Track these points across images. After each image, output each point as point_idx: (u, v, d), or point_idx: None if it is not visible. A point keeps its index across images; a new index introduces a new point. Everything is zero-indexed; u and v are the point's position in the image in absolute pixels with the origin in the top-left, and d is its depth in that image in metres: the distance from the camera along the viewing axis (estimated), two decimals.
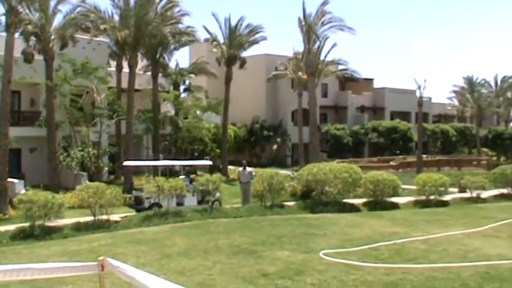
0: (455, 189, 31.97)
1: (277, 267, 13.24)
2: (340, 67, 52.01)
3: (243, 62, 49.85)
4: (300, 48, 45.10)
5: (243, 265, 13.49)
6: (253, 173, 28.14)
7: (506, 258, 14.34)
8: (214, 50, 50.52)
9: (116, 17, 40.24)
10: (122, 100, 41.84)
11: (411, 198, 28.27)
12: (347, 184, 26.31)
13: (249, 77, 58.13)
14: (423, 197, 28.03)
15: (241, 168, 29.03)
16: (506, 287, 11.72)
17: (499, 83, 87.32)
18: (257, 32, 49.65)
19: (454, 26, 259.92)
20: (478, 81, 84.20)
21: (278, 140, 61.90)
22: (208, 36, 50.90)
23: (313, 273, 12.64)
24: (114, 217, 22.02)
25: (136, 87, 40.31)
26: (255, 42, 50.14)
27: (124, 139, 40.35)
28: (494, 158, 74.52)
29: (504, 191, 31.29)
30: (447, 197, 28.76)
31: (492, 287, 11.67)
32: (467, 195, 30.28)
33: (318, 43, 38.46)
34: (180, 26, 44.08)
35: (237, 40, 49.04)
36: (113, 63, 44.77)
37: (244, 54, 50.98)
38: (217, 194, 25.82)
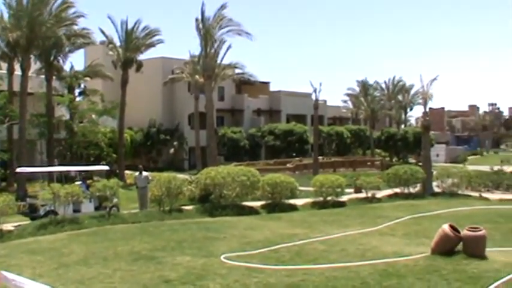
0: (351, 190, 32.65)
1: (178, 272, 13.06)
2: (237, 71, 52.16)
3: (140, 65, 49.18)
4: (198, 51, 45.01)
5: (143, 272, 13.23)
6: (150, 178, 27.73)
7: (402, 255, 14.71)
8: (111, 52, 49.59)
9: (7, 17, 38.70)
10: (13, 104, 40.31)
11: (309, 200, 28.63)
12: (245, 187, 26.37)
13: (146, 80, 57.48)
14: (320, 198, 28.46)
15: (137, 173, 28.57)
16: (404, 283, 11.99)
17: (390, 86, 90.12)
18: (154, 35, 49.09)
19: (349, 31, 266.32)
20: (371, 84, 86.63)
21: (175, 143, 61.45)
22: (104, 38, 49.94)
23: (215, 277, 12.54)
24: (7, 226, 21.09)
25: (29, 90, 38.93)
26: (152, 45, 49.57)
27: (16, 144, 38.86)
28: (388, 159, 76.93)
29: (397, 190, 32.24)
30: (344, 198, 29.34)
31: (390, 284, 11.92)
32: (363, 195, 31.00)
33: (215, 47, 38.39)
34: (75, 27, 42.87)
35: (133, 43, 48.30)
36: (4, 66, 43.16)
37: (141, 57, 50.33)
38: (115, 200, 25.25)
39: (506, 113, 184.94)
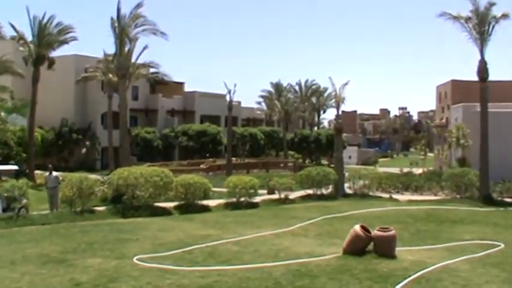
0: (265, 191, 32.74)
1: (89, 275, 12.78)
2: (152, 70, 51.65)
3: (52, 62, 47.83)
4: (112, 50, 44.20)
5: (53, 275, 12.87)
6: (60, 178, 27.05)
7: (314, 255, 14.93)
8: (21, 48, 48.01)
9: None
10: None
11: (222, 201, 28.57)
12: (158, 188, 26.09)
13: (58, 78, 56.05)
14: (234, 199, 28.44)
15: (47, 173, 27.83)
16: (316, 282, 12.15)
17: (304, 88, 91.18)
18: (68, 32, 47.84)
19: (265, 33, 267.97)
20: (285, 86, 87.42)
21: (87, 143, 60.27)
22: (14, 33, 48.38)
23: (128, 279, 12.36)
24: None
25: None
26: (65, 42, 48.28)
27: None
28: (300, 160, 77.66)
29: (310, 191, 32.58)
30: (257, 199, 29.38)
31: (303, 284, 12.05)
32: (276, 196, 31.18)
33: (130, 45, 37.79)
34: None
35: (46, 39, 46.88)
36: None
37: (53, 54, 49.03)
38: (24, 201, 24.40)
39: (415, 117, 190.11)
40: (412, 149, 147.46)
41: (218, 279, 12.38)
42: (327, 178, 32.37)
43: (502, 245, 17.14)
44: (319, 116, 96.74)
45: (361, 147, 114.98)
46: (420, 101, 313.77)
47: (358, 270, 13.14)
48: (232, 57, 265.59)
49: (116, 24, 37.12)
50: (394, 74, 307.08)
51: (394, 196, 32.84)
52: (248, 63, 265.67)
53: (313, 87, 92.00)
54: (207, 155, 64.04)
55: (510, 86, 74.96)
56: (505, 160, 36.86)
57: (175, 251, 15.56)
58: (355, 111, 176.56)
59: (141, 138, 62.66)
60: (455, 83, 76.56)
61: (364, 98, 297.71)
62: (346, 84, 35.75)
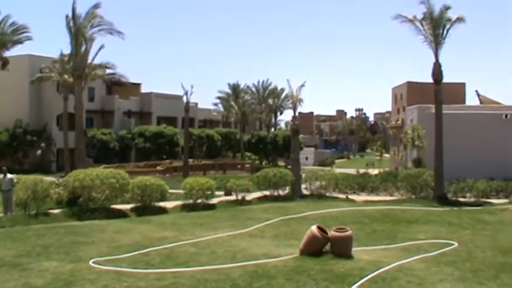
0: (222, 193, 32.73)
1: (45, 279, 12.58)
2: (108, 71, 51.12)
3: (5, 62, 47.21)
4: (68, 50, 43.58)
5: (7, 279, 12.63)
6: (15, 180, 26.61)
7: (271, 256, 14.96)
8: None
9: None
10: None
11: (179, 202, 28.47)
12: (114, 190, 25.85)
13: (12, 78, 55.34)
14: (190, 201, 28.37)
15: (1, 175, 27.35)
16: (274, 283, 12.18)
17: (261, 90, 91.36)
18: (22, 32, 47.31)
19: (221, 34, 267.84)
20: (242, 88, 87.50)
21: (42, 145, 59.57)
22: None
23: (84, 283, 12.22)
24: None
25: None
26: (19, 41, 47.72)
27: None
28: (257, 162, 77.87)
29: (267, 192, 32.64)
30: (214, 200, 29.36)
31: (260, 285, 12.07)
32: (233, 197, 31.16)
33: (86, 45, 37.30)
34: None
35: None
36: None
37: (7, 54, 48.33)
38: None
39: (372, 118, 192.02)
40: (368, 150, 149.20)
41: (175, 281, 12.32)
42: (283, 179, 32.46)
43: (456, 244, 17.42)
44: (276, 117, 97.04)
45: (317, 149, 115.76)
46: (376, 102, 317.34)
47: (315, 271, 13.21)
48: (189, 58, 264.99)
49: (72, 24, 36.65)
50: (351, 76, 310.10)
51: (351, 197, 33.08)
52: (205, 65, 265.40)
53: (270, 88, 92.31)
54: (164, 156, 63.83)
55: (463, 88, 76.47)
56: (459, 161, 37.41)
57: (132, 254, 15.44)
58: (312, 113, 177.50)
59: (97, 140, 62.17)
60: (410, 85, 77.51)
61: (321, 100, 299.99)
62: (303, 85, 35.91)
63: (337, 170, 48.97)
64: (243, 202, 30.16)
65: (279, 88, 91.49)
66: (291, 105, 37.99)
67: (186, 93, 51.82)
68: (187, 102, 52.83)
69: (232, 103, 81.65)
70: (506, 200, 31.78)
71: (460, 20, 32.53)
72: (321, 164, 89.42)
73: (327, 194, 33.71)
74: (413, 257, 15.20)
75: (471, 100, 65.74)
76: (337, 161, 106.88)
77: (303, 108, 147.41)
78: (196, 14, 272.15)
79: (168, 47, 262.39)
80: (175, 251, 16.00)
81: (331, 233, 15.08)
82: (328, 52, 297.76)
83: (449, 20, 32.60)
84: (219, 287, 11.93)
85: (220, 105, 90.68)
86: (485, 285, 12.48)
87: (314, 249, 14.88)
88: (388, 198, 32.98)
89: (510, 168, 33.92)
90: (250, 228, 20.74)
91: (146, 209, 26.18)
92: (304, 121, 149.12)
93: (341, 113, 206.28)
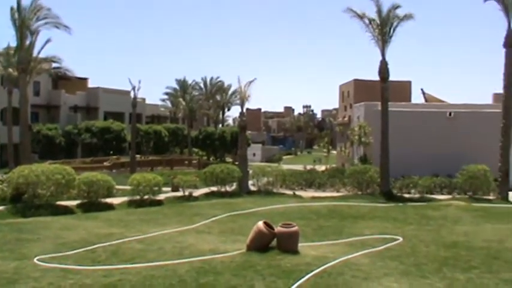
0: (169, 189, 32.62)
1: None
2: (54, 65, 50.31)
3: None
4: (14, 43, 42.72)
5: None
6: None
7: (218, 252, 15.02)
8: None
9: None
10: None
11: (126, 199, 28.30)
12: (60, 186, 25.59)
13: None
14: (138, 197, 28.26)
15: None
16: (220, 279, 12.23)
17: (209, 86, 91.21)
18: None
19: (170, 29, 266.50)
20: (190, 83, 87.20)
21: None
22: None
23: (28, 280, 12.06)
24: None
25: None
26: None
27: None
28: (205, 158, 77.68)
29: (214, 188, 32.67)
30: (161, 196, 29.29)
31: (207, 281, 12.11)
32: (180, 194, 31.08)
33: (31, 39, 36.64)
34: None
35: None
36: None
37: None
38: None
39: (319, 115, 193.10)
40: (315, 147, 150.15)
41: (122, 277, 12.27)
42: (231, 175, 32.52)
43: (401, 239, 17.76)
44: (223, 113, 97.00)
45: (265, 145, 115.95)
46: (324, 99, 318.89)
47: (262, 266, 13.30)
48: (137, 54, 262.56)
49: (16, 16, 35.98)
50: (299, 73, 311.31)
51: (298, 193, 33.29)
52: (154, 60, 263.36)
53: (218, 84, 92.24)
54: (111, 152, 63.16)
55: (409, 86, 77.66)
56: (404, 157, 37.96)
57: (78, 251, 15.30)
58: (260, 109, 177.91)
59: (43, 135, 61.14)
60: (357, 82, 78.30)
61: (269, 96, 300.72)
62: (252, 82, 35.91)
63: (285, 166, 49.25)
64: (190, 198, 30.14)
65: (226, 84, 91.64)
66: (238, 102, 37.97)
67: (133, 89, 51.39)
68: (135, 98, 52.37)
69: (180, 99, 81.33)
70: (450, 196, 32.40)
71: (407, 17, 33.01)
72: (269, 160, 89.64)
73: (274, 190, 33.90)
74: (359, 252, 15.45)
75: (417, 98, 66.87)
76: (284, 157, 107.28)
77: (250, 105, 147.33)
78: (143, 9, 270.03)
79: (116, 42, 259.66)
80: (122, 247, 15.91)
81: (278, 228, 15.19)
82: (277, 49, 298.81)
83: (397, 17, 33.07)
84: (165, 283, 11.92)
85: (168, 101, 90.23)
86: (429, 279, 12.75)
87: (261, 244, 14.96)
88: (335, 194, 33.27)
89: (454, 165, 34.50)
90: (197, 224, 20.78)
91: (93, 205, 25.93)
92: (252, 117, 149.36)
93: (289, 110, 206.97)
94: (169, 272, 12.82)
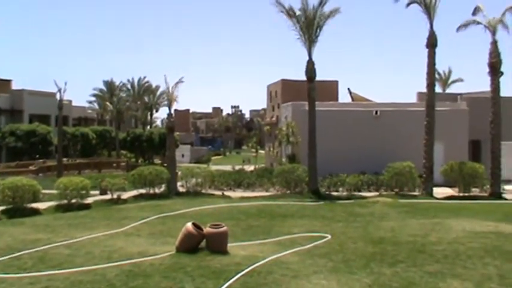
0: (97, 192, 32.20)
1: None
2: None
3: None
4: None
5: None
6: None
7: (147, 254, 14.93)
8: None
9: None
10: None
11: (53, 203, 27.75)
12: None
13: None
14: (65, 201, 27.77)
15: None
16: (150, 282, 12.16)
17: (136, 87, 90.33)
18: None
19: (96, 30, 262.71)
20: (117, 85, 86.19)
21: None
22: None
23: None
24: None
25: None
26: None
27: None
28: (133, 160, 76.92)
29: (143, 191, 32.44)
30: (89, 200, 28.84)
31: (137, 284, 12.03)
32: (108, 197, 30.74)
33: None
34: None
35: None
36: None
37: None
38: None
39: (248, 115, 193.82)
40: (244, 147, 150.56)
41: (49, 284, 12.05)
42: (159, 177, 32.35)
43: (329, 237, 18.03)
44: (151, 114, 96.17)
45: (194, 146, 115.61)
46: (253, 99, 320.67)
47: (192, 268, 13.29)
48: (63, 56, 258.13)
49: None
50: (227, 73, 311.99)
51: (227, 193, 33.33)
52: (80, 62, 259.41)
53: (146, 85, 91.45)
54: (37, 156, 61.81)
55: (336, 86, 78.56)
56: (332, 156, 38.35)
57: (3, 258, 14.90)
58: (188, 110, 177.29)
59: None
60: (285, 82, 78.65)
61: (197, 97, 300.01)
62: (179, 82, 35.76)
63: (214, 167, 49.31)
64: (118, 201, 29.83)
65: (154, 85, 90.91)
66: (166, 103, 37.77)
67: (59, 91, 50.38)
68: (61, 100, 51.39)
69: (107, 102, 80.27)
70: (377, 193, 33.04)
71: (334, 12, 33.38)
72: (198, 161, 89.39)
73: (203, 191, 33.86)
74: (288, 250, 15.59)
75: (344, 97, 67.66)
76: (213, 158, 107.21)
77: (179, 106, 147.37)
78: (69, 9, 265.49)
79: (42, 43, 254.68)
80: (49, 253, 15.61)
81: (207, 229, 15.22)
82: (205, 50, 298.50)
83: (323, 14, 33.45)
84: (94, 287, 11.79)
85: (95, 103, 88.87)
86: (356, 275, 12.99)
87: (190, 245, 14.96)
88: (264, 194, 33.46)
89: (380, 162, 35.14)
90: (126, 227, 20.56)
91: (18, 210, 25.33)
92: (180, 118, 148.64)
93: (217, 110, 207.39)
94: (98, 276, 12.66)
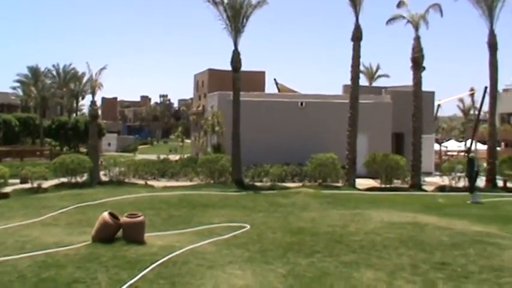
0: (17, 181, 31.49)
1: None
2: None
3: None
4: None
5: None
6: None
7: (63, 245, 14.63)
8: None
9: None
10: None
11: None
12: None
13: None
14: None
15: None
16: (63, 273, 11.92)
17: (62, 73, 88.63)
18: None
19: (21, 15, 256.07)
20: (42, 71, 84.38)
21: None
22: None
23: None
24: None
25: None
26: None
27: None
28: (58, 148, 75.45)
29: (64, 180, 31.93)
30: (7, 189, 28.31)
31: (49, 275, 11.76)
32: (28, 185, 30.09)
33: None
34: None
35: None
36: None
37: None
38: None
39: (176, 105, 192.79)
40: (172, 136, 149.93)
41: None
42: (81, 166, 31.88)
43: (248, 227, 18.06)
44: (77, 102, 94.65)
45: (121, 135, 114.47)
46: (181, 88, 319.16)
47: (107, 258, 13.10)
48: None
49: None
50: (156, 62, 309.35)
51: (151, 183, 33.10)
52: (3, 46, 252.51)
53: (72, 72, 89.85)
54: None
55: (263, 76, 78.85)
56: (257, 146, 38.47)
57: None
58: (116, 98, 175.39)
59: None
60: (212, 72, 78.60)
61: (125, 85, 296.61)
62: (103, 68, 35.18)
63: (140, 156, 49.02)
64: (39, 190, 29.24)
65: (80, 72, 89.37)
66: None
67: None
68: None
69: (32, 87, 78.47)
70: (300, 184, 33.36)
71: (262, 2, 33.40)
72: (124, 150, 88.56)
73: (126, 180, 33.53)
74: (206, 240, 15.54)
75: (270, 88, 67.99)
76: (140, 147, 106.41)
77: (106, 94, 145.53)
78: None
79: None
80: None
81: (123, 218, 15.05)
82: (133, 38, 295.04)
83: (251, 5, 33.46)
84: (3, 279, 11.45)
85: (19, 89, 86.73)
86: (272, 265, 13.03)
87: (106, 235, 14.76)
88: (188, 183, 33.34)
89: (305, 153, 35.39)
90: (44, 217, 20.13)
91: None
92: (108, 106, 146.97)
93: (145, 99, 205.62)
94: (9, 267, 12.32)
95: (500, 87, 49.15)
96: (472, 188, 27.79)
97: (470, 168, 28.08)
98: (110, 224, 14.78)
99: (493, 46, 34.45)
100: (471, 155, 29.20)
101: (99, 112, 42.18)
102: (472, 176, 28.00)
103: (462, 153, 57.23)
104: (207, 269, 12.50)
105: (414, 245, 15.67)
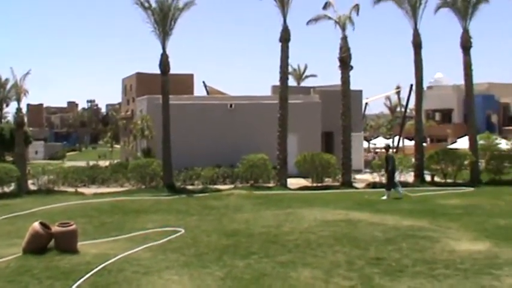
0: None
1: None
2: None
3: None
4: None
5: None
6: None
7: None
8: None
9: None
10: None
11: None
12: None
13: None
14: None
15: None
16: None
17: None
18: None
19: None
20: None
21: None
22: None
23: None
24: None
25: None
26: None
27: None
28: None
29: None
30: None
31: None
32: None
33: None
34: None
35: None
36: None
37: None
38: None
39: (104, 110, 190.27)
40: (101, 142, 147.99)
41: None
42: (8, 175, 30.99)
43: (183, 231, 17.93)
44: (1, 109, 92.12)
45: (48, 142, 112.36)
46: (109, 93, 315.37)
47: (39, 270, 12.75)
48: None
49: None
50: (82, 67, 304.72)
51: (81, 190, 32.49)
52: None
53: None
54: None
55: (192, 79, 78.64)
56: (188, 149, 38.22)
57: None
58: (42, 105, 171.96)
59: None
60: (140, 76, 77.94)
61: (52, 91, 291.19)
62: (27, 74, 34.27)
63: (69, 163, 47.96)
64: None
65: (4, 78, 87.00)
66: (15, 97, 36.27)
67: None
68: None
69: None
70: (232, 186, 33.37)
71: (189, 4, 33.31)
72: (52, 157, 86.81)
73: (56, 189, 32.80)
74: (140, 246, 15.36)
75: (199, 91, 67.87)
76: (68, 153, 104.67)
77: (31, 100, 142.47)
78: None
79: None
80: None
81: (54, 228, 14.71)
82: (59, 42, 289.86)
83: (178, 8, 33.28)
84: None
85: None
86: (209, 268, 12.98)
87: (37, 246, 14.38)
88: (119, 189, 32.85)
89: (236, 155, 35.42)
90: None
91: None
92: (34, 113, 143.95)
93: (72, 105, 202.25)
94: None
95: (425, 85, 50.09)
96: (388, 185, 28.08)
97: (387, 165, 28.43)
98: (41, 234, 14.42)
99: (417, 45, 35.29)
100: (389, 152, 29.60)
101: (25, 119, 41.24)
102: (388, 173, 28.30)
103: (380, 150, 58.49)
104: (143, 275, 12.35)
105: (348, 241, 15.88)
